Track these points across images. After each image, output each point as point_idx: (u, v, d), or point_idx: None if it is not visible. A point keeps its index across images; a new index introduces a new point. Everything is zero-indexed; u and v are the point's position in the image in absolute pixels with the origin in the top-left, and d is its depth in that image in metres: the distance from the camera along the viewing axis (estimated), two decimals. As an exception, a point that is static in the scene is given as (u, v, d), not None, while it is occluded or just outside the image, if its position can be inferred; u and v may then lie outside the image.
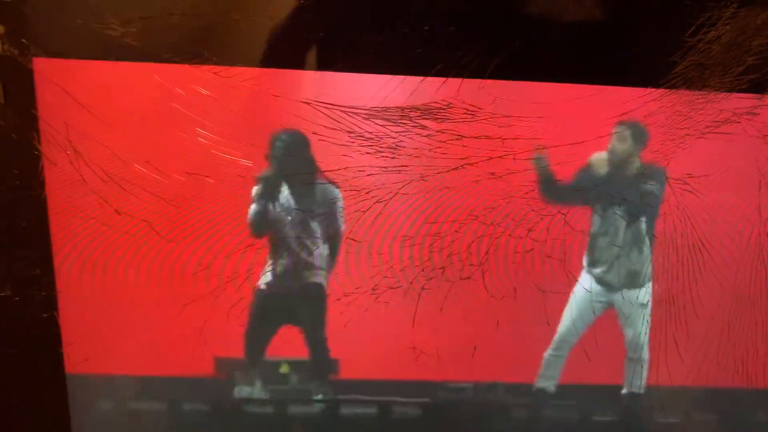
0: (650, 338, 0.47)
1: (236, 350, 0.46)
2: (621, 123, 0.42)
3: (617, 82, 0.42)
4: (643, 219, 0.44)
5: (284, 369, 0.46)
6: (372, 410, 0.48)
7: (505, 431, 0.48)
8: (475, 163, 0.43)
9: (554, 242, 0.45)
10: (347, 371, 0.47)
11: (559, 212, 0.44)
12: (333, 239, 0.44)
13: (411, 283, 0.45)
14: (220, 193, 0.43)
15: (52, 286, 0.44)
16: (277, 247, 0.44)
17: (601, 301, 0.47)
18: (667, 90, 0.42)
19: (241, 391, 0.47)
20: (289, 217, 0.43)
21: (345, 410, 0.47)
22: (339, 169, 0.43)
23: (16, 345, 0.45)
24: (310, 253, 0.44)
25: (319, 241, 0.44)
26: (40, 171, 0.41)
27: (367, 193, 0.43)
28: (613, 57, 0.41)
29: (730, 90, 0.42)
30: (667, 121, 0.43)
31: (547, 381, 0.48)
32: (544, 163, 0.42)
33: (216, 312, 0.45)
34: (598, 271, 0.46)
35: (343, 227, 0.44)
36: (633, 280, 0.46)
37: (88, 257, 0.44)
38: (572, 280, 0.46)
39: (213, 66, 0.40)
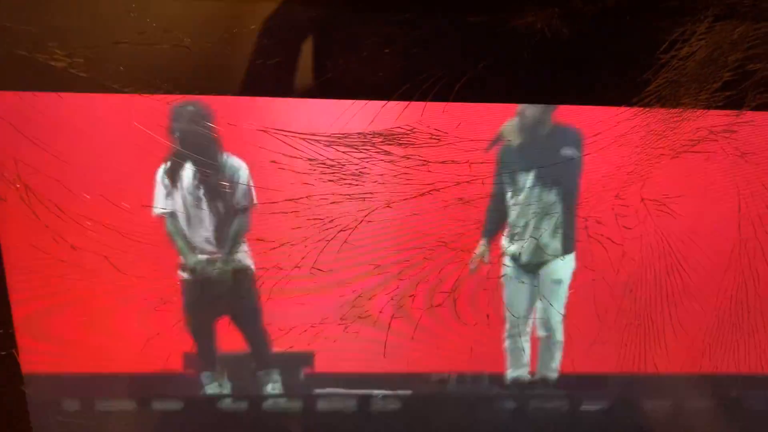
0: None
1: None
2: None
3: (588, 102, 0.40)
4: (557, 188, 0.41)
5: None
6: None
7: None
8: (443, 188, 0.41)
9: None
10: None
11: (530, 237, 0.43)
12: (243, 213, 0.42)
13: (380, 312, 0.44)
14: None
15: (9, 324, 0.43)
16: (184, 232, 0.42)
17: (524, 282, 0.44)
18: (641, 109, 0.40)
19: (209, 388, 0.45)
20: (194, 196, 0.41)
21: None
22: (300, 198, 0.41)
23: (-26, 384, 0.44)
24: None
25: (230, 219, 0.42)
26: (-10, 207, 0.40)
27: (330, 221, 0.42)
28: (582, 76, 0.40)
29: (707, 107, 0.40)
30: (642, 141, 0.41)
31: (516, 370, 0.46)
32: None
33: (179, 346, 0.44)
34: (513, 249, 0.43)
35: (251, 201, 0.41)
36: (545, 255, 0.43)
37: (45, 293, 0.42)
38: (546, 304, 0.44)
39: (165, 95, 0.38)
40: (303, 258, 0.42)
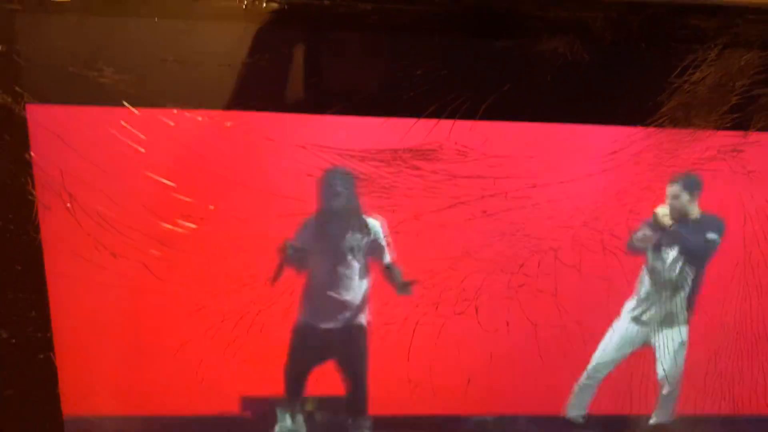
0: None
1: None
2: (674, 180, 0.44)
3: (605, 122, 0.43)
4: (693, 265, 0.46)
5: (309, 406, 0.46)
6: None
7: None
8: (468, 201, 0.44)
9: (546, 277, 0.46)
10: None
11: (549, 248, 0.45)
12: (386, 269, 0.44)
13: (405, 318, 0.46)
14: (214, 235, 0.43)
15: (48, 328, 0.44)
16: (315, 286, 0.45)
17: (639, 338, 0.48)
18: (655, 129, 0.43)
19: (283, 428, 0.47)
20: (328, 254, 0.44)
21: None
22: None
23: (12, 386, 0.45)
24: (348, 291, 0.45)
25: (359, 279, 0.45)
26: (35, 216, 0.42)
27: (361, 232, 0.44)
28: (601, 97, 0.42)
29: (716, 128, 0.43)
30: (655, 159, 0.44)
31: (575, 410, 0.49)
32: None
33: (212, 351, 0.45)
34: (639, 310, 0.48)
35: (389, 257, 0.44)
36: (672, 320, 0.48)
37: (84, 299, 0.44)
38: (563, 313, 0.47)
39: (207, 110, 0.40)
40: (334, 267, 0.45)
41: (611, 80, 0.42)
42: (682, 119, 0.43)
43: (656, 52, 0.41)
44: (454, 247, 0.45)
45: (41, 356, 0.45)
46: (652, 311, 0.48)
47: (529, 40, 0.40)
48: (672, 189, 0.44)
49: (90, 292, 0.44)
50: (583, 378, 0.48)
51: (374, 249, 0.43)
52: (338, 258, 0.43)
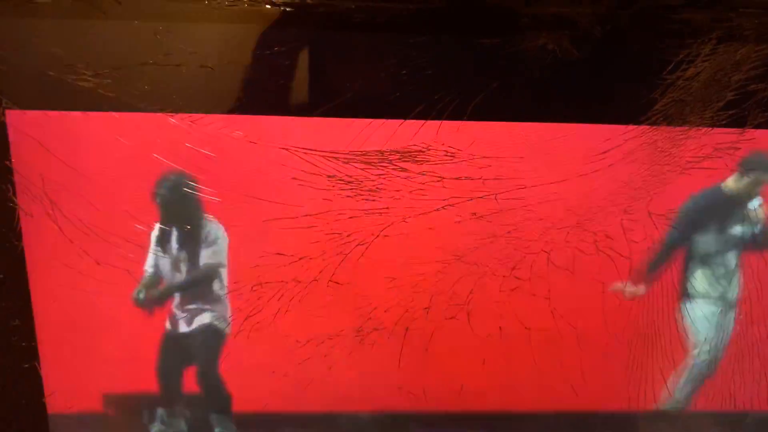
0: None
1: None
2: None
3: (597, 120, 0.42)
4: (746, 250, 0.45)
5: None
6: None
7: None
8: (457, 204, 0.43)
9: (538, 280, 0.45)
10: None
11: (542, 250, 0.44)
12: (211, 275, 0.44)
13: (396, 324, 0.45)
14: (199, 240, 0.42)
15: (33, 337, 0.44)
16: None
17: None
18: (648, 127, 0.42)
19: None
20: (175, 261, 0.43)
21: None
22: (320, 213, 0.42)
23: (-3, 396, 0.45)
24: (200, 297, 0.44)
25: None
26: (17, 223, 0.41)
27: (348, 236, 0.43)
28: (592, 95, 0.41)
29: (711, 125, 0.42)
30: (648, 158, 0.42)
31: (675, 404, 0.48)
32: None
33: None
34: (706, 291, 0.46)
35: (220, 262, 0.43)
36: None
37: (69, 308, 0.43)
38: (557, 317, 0.46)
39: (188, 114, 0.40)
40: (321, 271, 0.44)
41: (602, 77, 0.40)
42: (676, 116, 0.41)
43: (648, 47, 0.40)
44: (443, 251, 0.44)
45: (26, 365, 0.44)
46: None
47: (516, 37, 0.39)
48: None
49: (74, 301, 0.43)
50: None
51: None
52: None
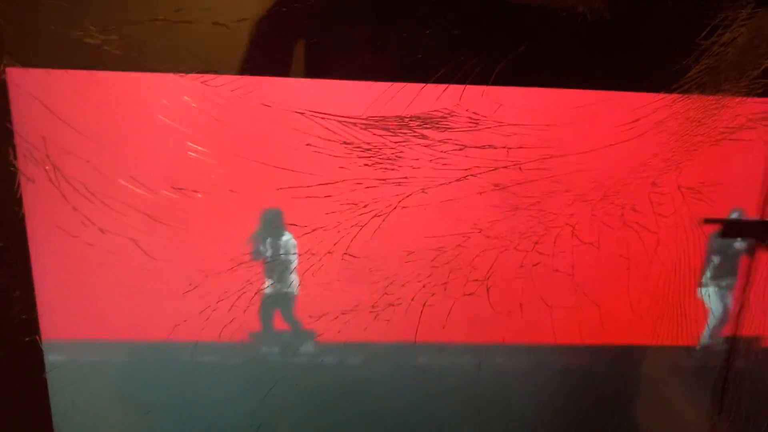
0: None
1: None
2: None
3: (627, 88, 0.40)
4: None
5: None
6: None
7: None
8: (479, 174, 0.41)
9: (562, 255, 0.43)
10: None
11: (566, 224, 0.42)
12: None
13: (412, 299, 0.43)
14: (210, 209, 0.40)
15: (33, 309, 0.42)
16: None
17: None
18: (680, 95, 0.40)
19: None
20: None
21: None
22: (335, 182, 0.40)
23: (-4, 370, 0.43)
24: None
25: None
26: (17, 188, 0.39)
27: (365, 206, 0.41)
28: (622, 61, 0.39)
29: (746, 94, 0.40)
30: (680, 128, 0.41)
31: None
32: None
33: (206, 332, 0.43)
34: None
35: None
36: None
37: (71, 278, 0.41)
38: (580, 294, 0.44)
39: (200, 74, 0.38)
40: (335, 244, 0.42)
41: (634, 42, 0.39)
42: (709, 85, 0.40)
43: (682, 10, 0.38)
44: (463, 223, 0.42)
45: (27, 339, 0.42)
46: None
47: (545, -3, 0.37)
48: None
49: (77, 271, 0.41)
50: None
51: None
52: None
